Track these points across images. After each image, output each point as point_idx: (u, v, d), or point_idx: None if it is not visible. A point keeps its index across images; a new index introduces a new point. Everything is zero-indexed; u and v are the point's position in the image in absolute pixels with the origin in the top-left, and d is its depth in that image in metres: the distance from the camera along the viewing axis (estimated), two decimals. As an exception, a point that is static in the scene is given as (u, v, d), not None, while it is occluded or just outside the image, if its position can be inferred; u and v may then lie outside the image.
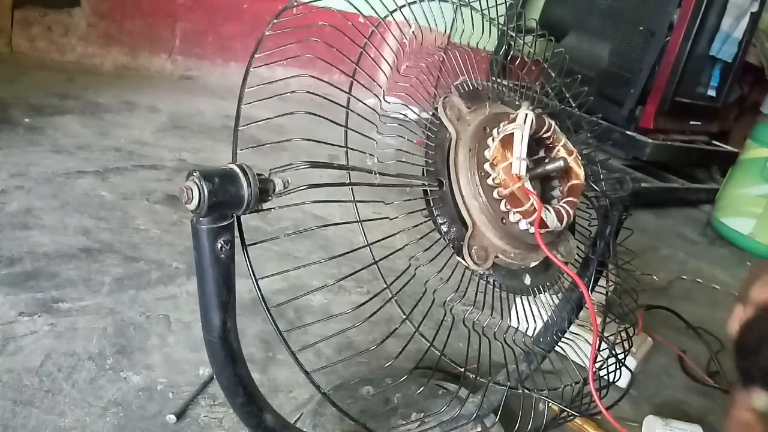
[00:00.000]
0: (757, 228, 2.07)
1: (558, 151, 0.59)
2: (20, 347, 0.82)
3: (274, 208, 0.46)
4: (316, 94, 0.48)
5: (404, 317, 0.56)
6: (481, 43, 0.64)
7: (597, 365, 0.69)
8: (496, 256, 0.57)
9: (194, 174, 0.41)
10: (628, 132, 2.34)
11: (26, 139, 1.53)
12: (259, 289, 0.48)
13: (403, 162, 0.54)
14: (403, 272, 0.53)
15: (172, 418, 0.75)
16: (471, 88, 0.61)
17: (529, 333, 0.72)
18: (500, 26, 0.66)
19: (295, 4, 0.54)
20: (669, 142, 2.42)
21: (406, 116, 0.57)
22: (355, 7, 0.52)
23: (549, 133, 0.58)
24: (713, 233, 2.22)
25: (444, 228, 0.55)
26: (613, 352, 0.70)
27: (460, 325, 0.56)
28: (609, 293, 0.73)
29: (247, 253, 0.47)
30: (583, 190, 0.61)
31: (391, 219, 0.52)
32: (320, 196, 0.47)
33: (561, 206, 0.56)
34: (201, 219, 0.44)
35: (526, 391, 0.66)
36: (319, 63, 0.55)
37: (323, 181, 0.47)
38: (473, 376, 0.61)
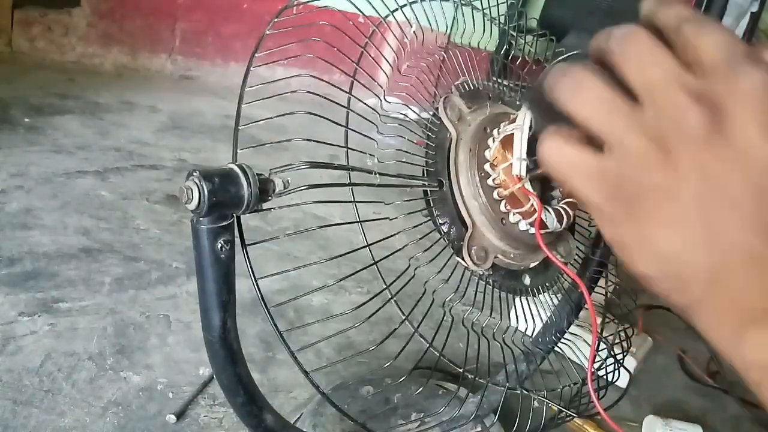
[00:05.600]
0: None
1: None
2: (20, 347, 0.82)
3: (274, 208, 0.46)
4: (317, 94, 0.48)
5: (404, 317, 0.56)
6: (481, 42, 0.64)
7: (596, 366, 0.69)
8: (496, 257, 0.56)
9: (194, 174, 0.41)
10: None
11: (26, 139, 1.53)
12: (259, 289, 0.48)
13: (404, 162, 0.54)
14: (403, 272, 0.53)
15: (172, 418, 0.75)
16: (471, 88, 0.61)
17: (529, 333, 0.72)
18: (501, 25, 0.66)
19: (296, 3, 0.54)
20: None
21: (407, 116, 0.57)
22: (356, 7, 0.52)
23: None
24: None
25: (444, 228, 0.55)
26: (612, 352, 0.70)
27: (459, 326, 0.56)
28: (609, 293, 0.73)
29: (247, 253, 0.47)
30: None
31: (391, 219, 0.52)
32: (320, 197, 0.47)
33: (561, 207, 0.56)
34: (201, 219, 0.44)
35: (525, 392, 0.66)
36: (320, 63, 0.55)
37: (323, 181, 0.47)
38: (472, 376, 0.61)
